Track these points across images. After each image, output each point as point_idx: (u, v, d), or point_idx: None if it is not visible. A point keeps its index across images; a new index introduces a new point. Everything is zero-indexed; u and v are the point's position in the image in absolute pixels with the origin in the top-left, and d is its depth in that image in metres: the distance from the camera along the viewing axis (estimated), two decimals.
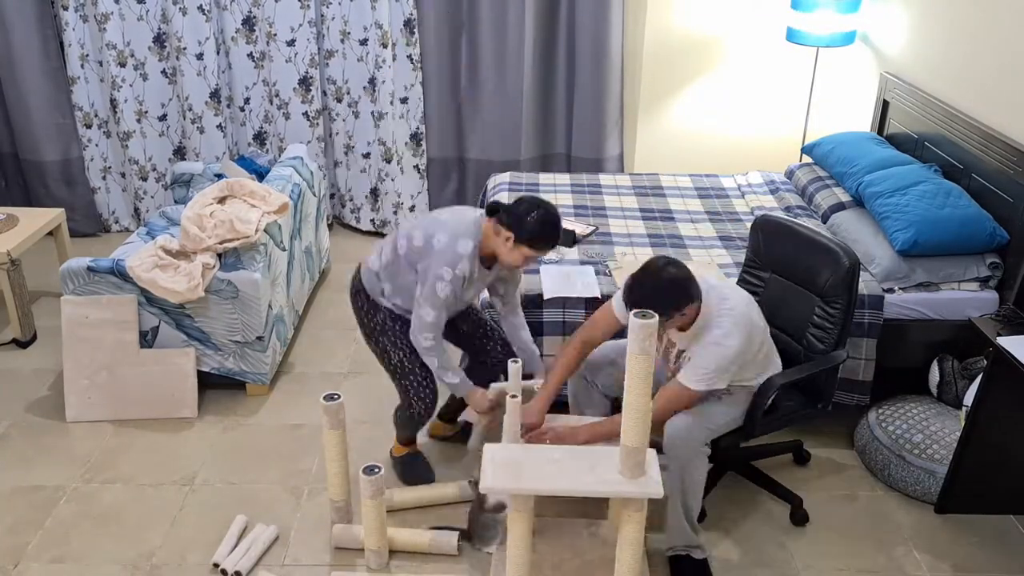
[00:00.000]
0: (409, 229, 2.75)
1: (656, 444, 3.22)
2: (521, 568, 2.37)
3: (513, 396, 2.61)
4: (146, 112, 4.92)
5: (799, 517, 2.96)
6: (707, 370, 2.50)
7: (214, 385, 3.59)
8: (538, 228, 2.60)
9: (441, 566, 2.76)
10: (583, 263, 3.49)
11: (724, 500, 3.06)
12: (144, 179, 5.05)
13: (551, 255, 3.55)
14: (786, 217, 3.08)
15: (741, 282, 3.11)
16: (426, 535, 2.79)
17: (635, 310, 2.10)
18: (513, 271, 2.90)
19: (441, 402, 3.24)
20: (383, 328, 2.86)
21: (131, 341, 3.41)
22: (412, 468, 3.12)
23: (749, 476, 3.08)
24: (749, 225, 3.91)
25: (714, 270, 3.43)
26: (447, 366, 2.77)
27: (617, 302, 2.69)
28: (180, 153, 5.06)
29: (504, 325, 3.02)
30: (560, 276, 3.35)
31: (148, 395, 3.43)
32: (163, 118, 4.97)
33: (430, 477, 3.11)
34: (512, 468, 2.27)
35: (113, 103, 4.84)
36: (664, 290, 2.41)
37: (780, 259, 2.98)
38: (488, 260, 2.76)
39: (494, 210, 2.67)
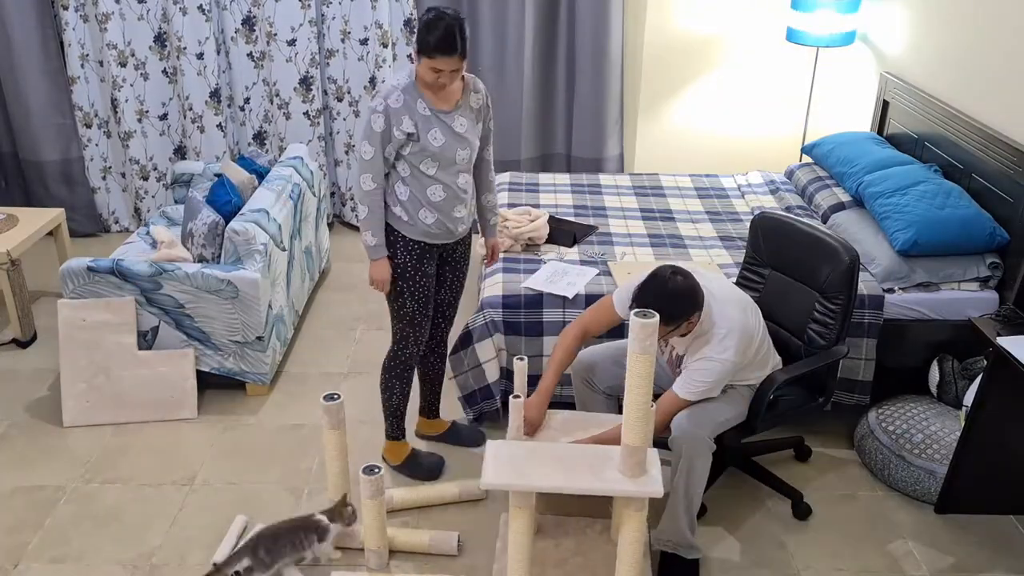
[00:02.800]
0: None
1: (661, 439, 3.23)
2: (522, 565, 2.37)
3: (516, 396, 2.62)
4: (147, 112, 4.92)
5: (801, 510, 2.96)
6: (703, 383, 2.55)
7: (214, 385, 3.59)
8: (425, 29, 2.52)
9: (441, 566, 2.76)
10: (583, 263, 3.49)
11: (724, 497, 3.06)
12: (145, 178, 5.05)
13: (551, 254, 3.55)
14: (785, 214, 3.08)
15: (741, 279, 3.11)
16: (426, 535, 2.79)
17: (635, 309, 2.11)
18: (477, 125, 2.79)
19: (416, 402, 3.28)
20: (402, 270, 2.81)
21: (129, 343, 3.41)
22: (418, 464, 3.12)
23: (750, 472, 3.08)
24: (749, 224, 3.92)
25: (714, 269, 3.43)
26: (373, 224, 2.73)
27: (617, 298, 2.71)
28: (180, 152, 5.06)
29: (478, 202, 3.00)
30: (554, 273, 3.36)
31: (147, 397, 3.43)
32: (164, 117, 4.97)
33: (439, 463, 3.13)
34: (514, 465, 2.27)
35: (114, 103, 4.83)
36: (672, 300, 2.44)
37: (780, 256, 2.98)
38: (446, 98, 2.68)
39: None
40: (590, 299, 3.20)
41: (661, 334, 2.46)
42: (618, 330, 3.13)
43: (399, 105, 2.62)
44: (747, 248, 3.12)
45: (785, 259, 2.97)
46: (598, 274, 3.38)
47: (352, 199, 5.18)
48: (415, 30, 2.61)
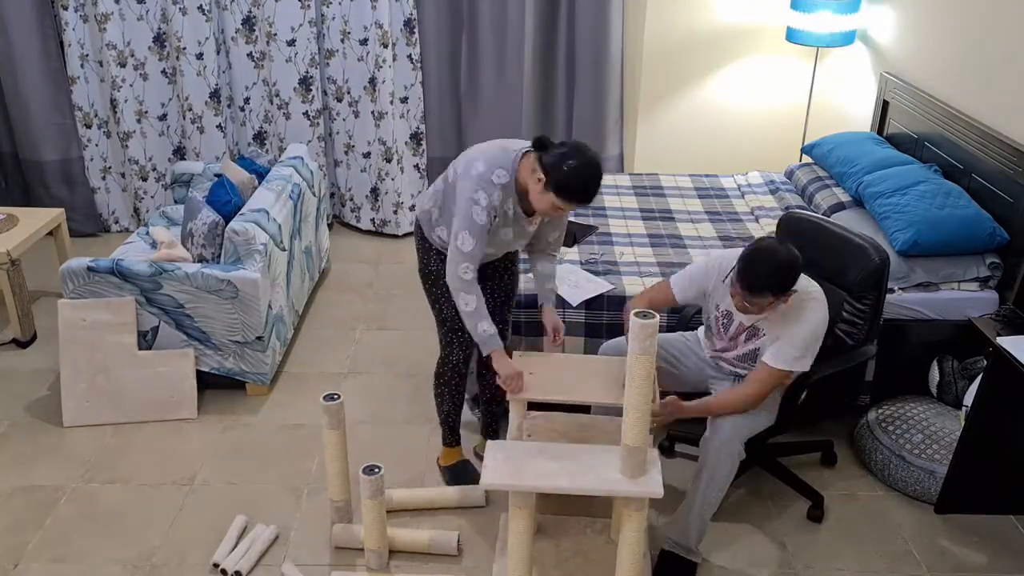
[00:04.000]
0: (458, 160, 2.62)
1: (672, 436, 3.23)
2: (522, 565, 2.37)
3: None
4: (146, 112, 4.92)
5: (817, 513, 2.96)
6: (799, 349, 2.51)
7: (214, 385, 3.59)
8: (572, 178, 2.37)
9: (441, 566, 2.76)
10: (584, 263, 3.49)
11: (730, 495, 3.04)
12: (144, 179, 5.05)
13: None
14: (812, 213, 3.08)
15: None
16: (426, 535, 2.79)
17: (742, 283, 2.22)
18: (557, 219, 2.75)
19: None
20: (438, 275, 2.75)
21: (129, 343, 3.41)
22: (462, 476, 3.09)
23: (773, 471, 3.08)
24: (749, 225, 3.92)
25: None
26: (484, 314, 2.55)
27: (676, 281, 2.75)
28: (180, 153, 5.06)
29: (534, 269, 2.89)
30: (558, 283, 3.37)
31: (147, 397, 3.43)
32: (163, 118, 4.97)
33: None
34: (513, 465, 2.27)
35: (113, 103, 4.83)
36: (785, 272, 2.41)
37: (808, 256, 2.93)
38: (526, 203, 2.56)
39: (542, 145, 2.46)
40: (590, 301, 3.21)
41: (766, 308, 2.46)
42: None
43: (497, 204, 2.51)
44: None
45: (813, 259, 2.92)
46: (599, 274, 3.38)
47: (352, 199, 5.18)
48: (552, 154, 2.40)
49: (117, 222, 5.18)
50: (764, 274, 2.38)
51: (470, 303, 2.54)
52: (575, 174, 2.38)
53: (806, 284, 2.56)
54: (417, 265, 2.89)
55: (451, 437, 3.11)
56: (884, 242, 3.36)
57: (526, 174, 2.48)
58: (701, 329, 2.95)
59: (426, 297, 2.89)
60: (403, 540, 2.79)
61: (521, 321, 3.23)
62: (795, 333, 2.52)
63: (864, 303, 2.78)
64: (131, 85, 4.84)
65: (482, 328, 2.55)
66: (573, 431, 2.68)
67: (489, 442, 2.36)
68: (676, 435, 3.25)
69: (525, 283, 3.30)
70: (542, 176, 2.41)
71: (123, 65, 4.78)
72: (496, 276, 2.93)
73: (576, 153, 2.39)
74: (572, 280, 3.35)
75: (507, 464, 2.28)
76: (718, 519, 2.95)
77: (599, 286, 3.28)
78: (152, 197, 5.13)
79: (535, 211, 2.57)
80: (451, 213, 2.60)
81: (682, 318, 3.17)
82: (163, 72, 4.87)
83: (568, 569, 2.67)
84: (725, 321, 2.69)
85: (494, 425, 3.21)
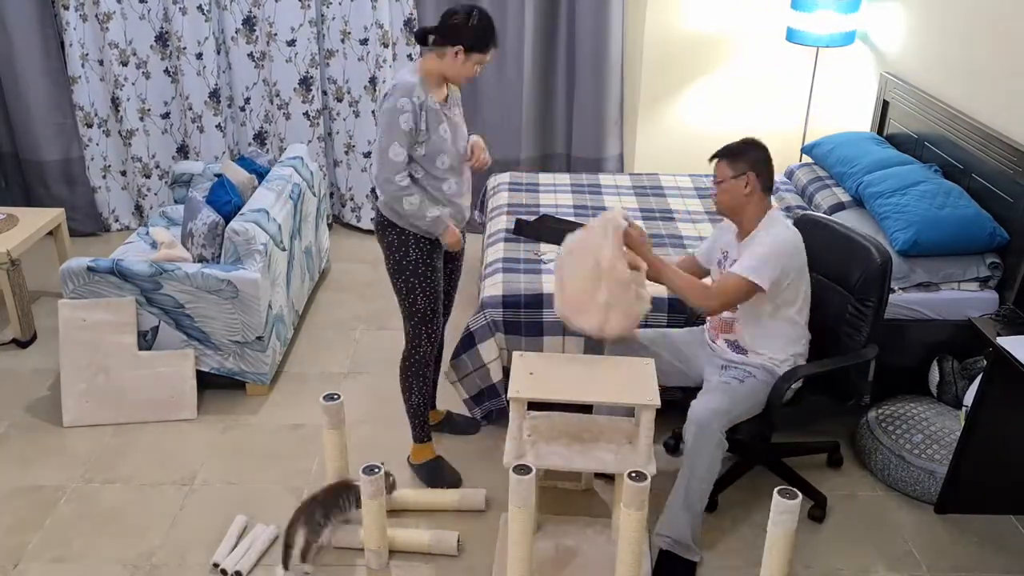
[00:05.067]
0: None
1: (677, 435, 3.24)
2: (522, 565, 2.37)
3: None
4: (149, 110, 4.93)
5: (817, 514, 2.96)
6: (757, 259, 2.62)
7: (214, 385, 3.59)
8: (483, 29, 2.63)
9: (441, 566, 2.76)
10: None
11: (729, 496, 3.05)
12: (148, 176, 5.06)
13: (551, 254, 3.55)
14: (822, 215, 3.08)
15: None
16: (426, 535, 2.79)
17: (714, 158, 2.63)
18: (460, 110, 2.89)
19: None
20: (415, 267, 2.83)
21: (129, 343, 3.41)
22: (437, 473, 3.10)
23: (777, 471, 3.08)
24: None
25: None
26: (426, 205, 2.74)
27: (698, 252, 3.00)
28: (183, 151, 5.07)
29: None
30: None
31: (146, 398, 3.43)
32: (166, 116, 4.98)
33: (456, 479, 3.10)
34: (536, 379, 2.47)
35: (116, 101, 4.84)
36: (741, 143, 2.68)
37: (815, 256, 2.89)
38: (440, 94, 2.74)
39: (422, 36, 2.69)
40: None
41: (721, 176, 2.68)
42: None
43: (420, 100, 2.65)
44: None
45: (820, 260, 2.91)
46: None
47: (352, 199, 5.18)
48: (451, 28, 2.63)
49: (117, 220, 5.18)
50: (727, 147, 2.70)
51: (413, 201, 2.72)
52: (482, 24, 2.64)
53: (780, 217, 2.73)
54: (386, 265, 2.91)
55: (421, 432, 3.11)
56: (884, 242, 3.36)
57: (432, 66, 2.69)
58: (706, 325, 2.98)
59: (396, 292, 2.92)
60: (403, 540, 2.79)
61: (521, 321, 3.23)
62: (756, 245, 2.66)
63: (867, 305, 2.77)
64: (133, 83, 4.84)
65: (431, 214, 2.75)
66: (573, 430, 2.69)
67: (516, 354, 2.64)
68: (680, 433, 3.25)
69: (526, 283, 3.30)
70: (458, 48, 2.63)
71: (125, 64, 4.79)
72: (455, 256, 3.05)
73: (467, 13, 2.63)
74: None
75: (530, 378, 2.47)
76: (718, 519, 2.96)
77: None
78: (156, 194, 5.14)
79: (455, 82, 2.75)
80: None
81: (689, 317, 3.18)
82: (165, 71, 4.87)
83: (568, 569, 2.67)
84: (723, 260, 2.82)
85: (432, 395, 3.28)
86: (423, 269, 2.83)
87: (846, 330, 2.83)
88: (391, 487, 2.80)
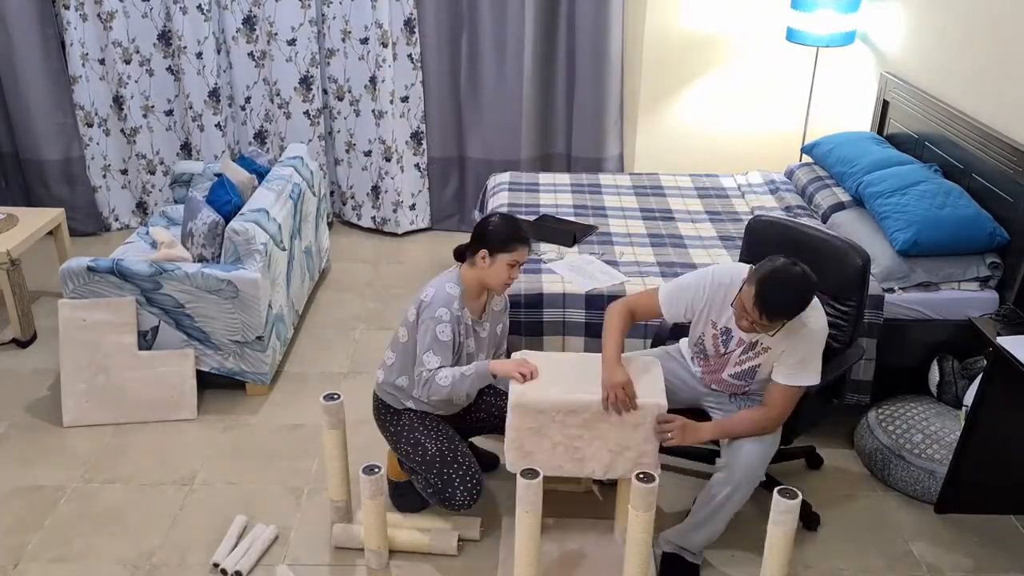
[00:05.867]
0: (401, 322, 2.77)
1: (714, 452, 3.21)
2: (529, 568, 2.37)
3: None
4: (152, 107, 4.94)
5: (811, 521, 2.94)
6: (809, 363, 2.51)
7: (214, 385, 3.59)
8: (503, 229, 2.65)
9: (441, 566, 2.76)
10: (584, 252, 3.49)
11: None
12: (152, 172, 5.07)
13: (551, 253, 3.55)
14: (782, 216, 3.05)
15: None
16: (426, 535, 2.79)
17: (762, 308, 2.31)
18: (495, 328, 2.87)
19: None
20: (411, 425, 2.78)
21: (129, 343, 3.41)
22: (406, 500, 2.97)
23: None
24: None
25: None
26: (457, 370, 2.65)
27: (664, 296, 2.66)
28: (187, 149, 5.07)
29: None
30: (575, 272, 3.37)
31: (147, 398, 3.43)
32: (169, 113, 4.99)
33: (421, 506, 2.95)
34: (539, 381, 2.48)
35: (119, 99, 4.85)
36: (802, 297, 2.38)
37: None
38: (477, 308, 2.76)
39: (460, 252, 2.75)
40: (590, 300, 3.20)
41: (774, 329, 2.42)
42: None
43: (458, 314, 2.66)
44: (743, 253, 3.08)
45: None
46: (624, 281, 3.33)
47: (353, 197, 5.18)
48: (475, 235, 2.68)
49: (117, 220, 5.18)
50: (786, 300, 2.35)
51: (446, 375, 2.63)
52: (502, 224, 2.67)
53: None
54: (387, 442, 2.89)
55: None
56: (884, 242, 3.36)
57: (472, 275, 2.70)
58: (683, 341, 2.88)
59: (406, 460, 2.82)
60: (403, 540, 2.79)
61: (521, 321, 3.23)
62: (803, 348, 2.49)
63: (847, 305, 2.76)
64: (136, 81, 4.85)
65: (468, 372, 2.63)
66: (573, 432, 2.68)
67: (515, 355, 2.60)
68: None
69: (526, 283, 3.30)
70: (483, 253, 2.65)
71: (128, 62, 4.80)
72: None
73: (487, 218, 2.70)
74: (589, 271, 3.37)
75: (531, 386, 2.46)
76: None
77: (614, 277, 3.31)
78: (160, 191, 5.15)
79: (493, 289, 2.72)
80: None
81: (659, 332, 3.10)
82: (168, 69, 4.88)
83: (573, 571, 2.67)
84: (724, 338, 2.63)
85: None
86: (417, 420, 2.79)
87: (830, 332, 2.79)
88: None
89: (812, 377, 2.53)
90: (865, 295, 2.75)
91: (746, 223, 3.09)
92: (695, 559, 2.70)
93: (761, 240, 2.99)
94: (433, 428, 2.78)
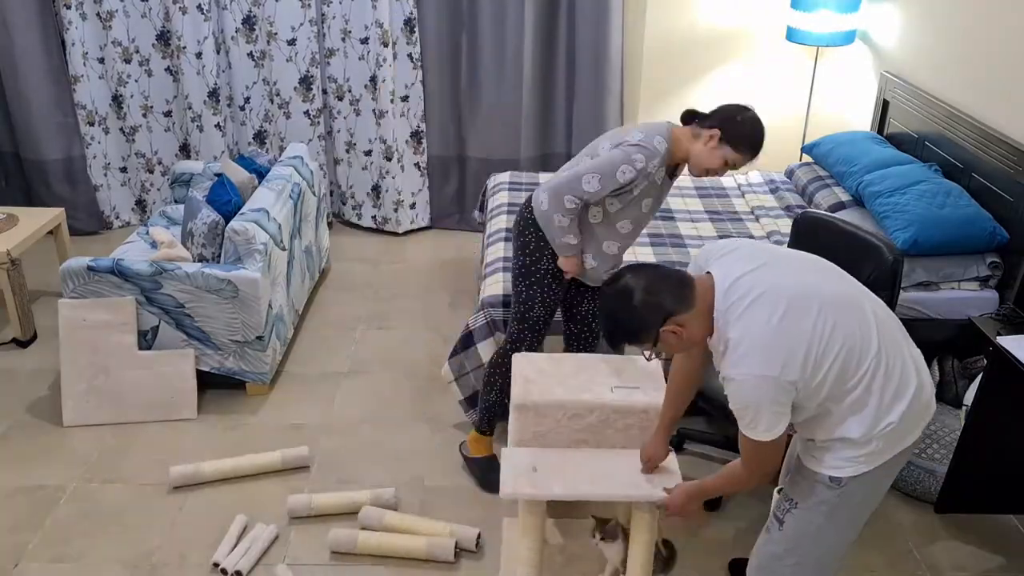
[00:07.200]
0: (596, 143, 2.68)
1: (680, 434, 3.12)
2: (533, 571, 2.37)
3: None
4: (151, 107, 4.94)
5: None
6: (741, 410, 1.85)
7: (214, 385, 3.59)
8: (748, 130, 2.53)
9: (440, 571, 2.75)
10: None
11: (729, 496, 3.05)
12: (151, 171, 5.08)
13: None
14: (827, 213, 3.06)
15: None
16: (424, 541, 2.78)
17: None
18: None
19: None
20: (541, 279, 2.78)
21: (129, 343, 3.41)
22: (488, 476, 3.03)
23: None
24: (749, 224, 3.92)
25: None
26: (574, 230, 2.68)
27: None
28: (186, 149, 5.07)
29: None
30: None
31: (147, 398, 3.43)
32: (168, 114, 4.99)
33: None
34: (532, 473, 2.32)
35: (119, 98, 4.85)
36: (637, 320, 1.89)
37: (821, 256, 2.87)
38: (671, 169, 2.69)
39: (690, 117, 2.64)
40: None
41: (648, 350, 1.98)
42: None
43: (652, 171, 2.59)
44: (791, 245, 3.06)
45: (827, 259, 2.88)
46: None
47: (353, 196, 5.18)
48: (717, 112, 2.58)
49: (118, 218, 5.19)
50: (618, 331, 1.97)
51: (564, 223, 2.65)
52: (749, 125, 2.54)
53: (730, 326, 1.86)
54: (513, 264, 2.85)
55: (486, 424, 3.06)
56: None
57: (686, 143, 2.61)
58: None
59: (514, 294, 2.86)
60: (400, 546, 2.77)
61: None
62: (729, 393, 1.89)
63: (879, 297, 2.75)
64: (136, 80, 4.85)
65: (570, 240, 2.69)
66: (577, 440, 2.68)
67: (504, 450, 2.39)
68: (687, 433, 3.25)
69: None
70: (714, 132, 2.53)
71: (128, 61, 4.80)
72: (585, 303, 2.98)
73: (741, 109, 2.56)
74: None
75: (525, 473, 2.31)
76: (720, 518, 2.95)
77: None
78: (159, 190, 5.16)
79: (696, 169, 2.63)
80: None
81: None
82: (167, 70, 4.88)
83: (574, 572, 2.66)
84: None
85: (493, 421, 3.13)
86: (549, 280, 2.78)
87: None
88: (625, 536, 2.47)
89: (750, 430, 1.86)
90: (897, 289, 2.74)
91: (792, 219, 3.10)
92: None
93: (806, 232, 2.95)
94: (553, 291, 2.81)
